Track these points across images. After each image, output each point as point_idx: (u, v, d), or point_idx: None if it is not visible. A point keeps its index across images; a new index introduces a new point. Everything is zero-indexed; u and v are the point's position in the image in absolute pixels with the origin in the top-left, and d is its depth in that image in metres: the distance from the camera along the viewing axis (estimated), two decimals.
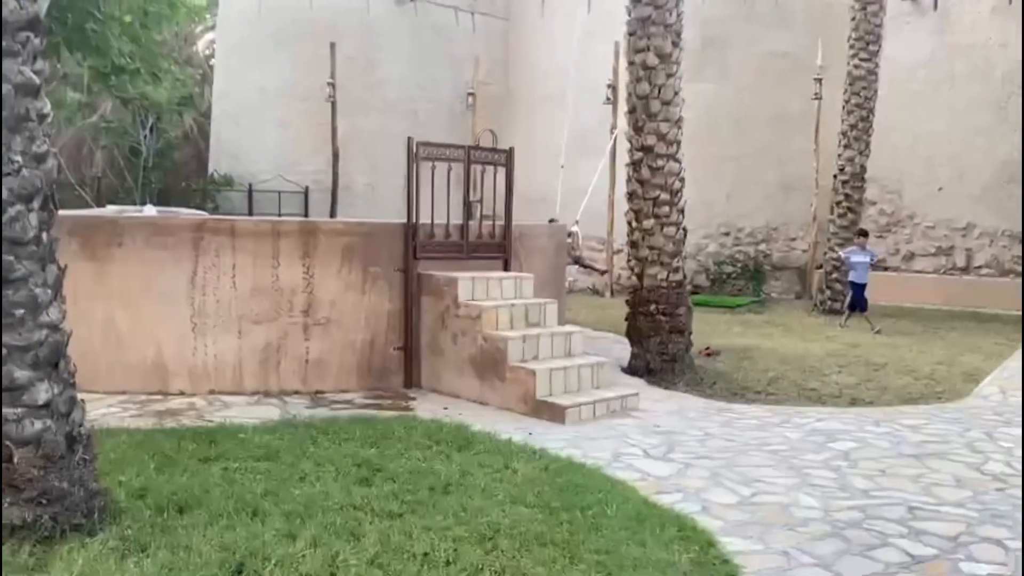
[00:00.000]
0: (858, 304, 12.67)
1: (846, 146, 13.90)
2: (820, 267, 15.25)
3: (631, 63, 8.86)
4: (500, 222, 8.42)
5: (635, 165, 8.85)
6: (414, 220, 7.68)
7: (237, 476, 4.78)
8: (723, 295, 16.29)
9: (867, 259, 12.73)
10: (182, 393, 7.11)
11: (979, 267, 15.67)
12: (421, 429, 5.90)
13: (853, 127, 13.73)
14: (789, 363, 9.36)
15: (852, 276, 12.78)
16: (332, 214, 17.22)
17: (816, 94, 15.70)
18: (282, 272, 7.34)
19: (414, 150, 7.71)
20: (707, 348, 10.07)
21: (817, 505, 4.68)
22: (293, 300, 7.38)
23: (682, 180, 8.93)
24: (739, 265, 16.72)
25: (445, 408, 7.00)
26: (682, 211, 8.95)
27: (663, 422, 6.67)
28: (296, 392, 7.34)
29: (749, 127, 16.79)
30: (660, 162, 8.72)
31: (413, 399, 7.36)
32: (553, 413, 6.64)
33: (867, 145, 13.87)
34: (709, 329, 12.05)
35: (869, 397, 7.71)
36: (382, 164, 17.99)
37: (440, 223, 7.98)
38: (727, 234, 17.15)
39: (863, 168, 13.93)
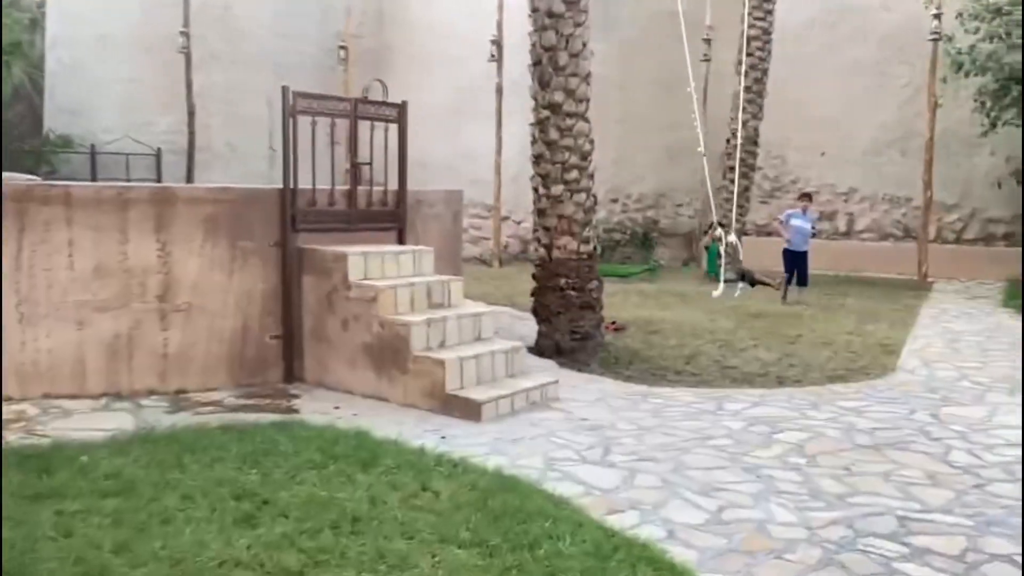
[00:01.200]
0: (798, 277, 11.36)
1: (740, 109, 13.51)
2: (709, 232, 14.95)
3: (534, 10, 7.94)
4: (393, 187, 7.38)
5: (541, 125, 7.98)
6: (292, 185, 6.55)
7: (77, 523, 3.65)
8: (612, 263, 15.79)
9: (808, 224, 11.60)
10: (8, 399, 5.77)
11: (861, 232, 15.80)
12: (313, 441, 4.87)
13: (748, 89, 13.33)
14: (700, 337, 8.82)
15: (788, 243, 11.58)
16: (189, 179, 15.55)
17: (705, 55, 15.28)
18: (131, 249, 6.06)
19: (291, 102, 6.55)
20: (612, 323, 9.41)
21: (796, 520, 4.01)
22: (146, 282, 6.12)
23: (592, 142, 8.14)
24: (628, 232, 16.25)
25: (336, 407, 5.98)
26: (592, 176, 8.17)
27: (589, 414, 5.91)
28: (153, 392, 6.13)
29: (635, 89, 16.26)
30: (569, 121, 7.89)
31: (296, 397, 6.29)
32: (467, 409, 5.74)
33: (761, 108, 13.56)
34: (607, 300, 11.42)
35: (795, 375, 7.23)
36: (244, 123, 16.39)
37: (323, 188, 6.87)
38: (615, 200, 16.65)
39: (756, 132, 13.63)
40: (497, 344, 6.45)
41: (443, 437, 5.27)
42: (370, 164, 7.24)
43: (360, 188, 7.17)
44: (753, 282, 11.29)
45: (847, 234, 15.83)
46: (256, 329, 6.52)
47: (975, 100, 13.08)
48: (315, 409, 5.96)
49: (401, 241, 7.36)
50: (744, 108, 13.38)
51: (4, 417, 5.37)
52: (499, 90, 15.21)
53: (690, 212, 16.39)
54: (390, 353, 6.13)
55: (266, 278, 6.53)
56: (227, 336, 6.41)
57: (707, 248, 12.79)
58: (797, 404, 6.20)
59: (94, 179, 14.54)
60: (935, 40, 13.00)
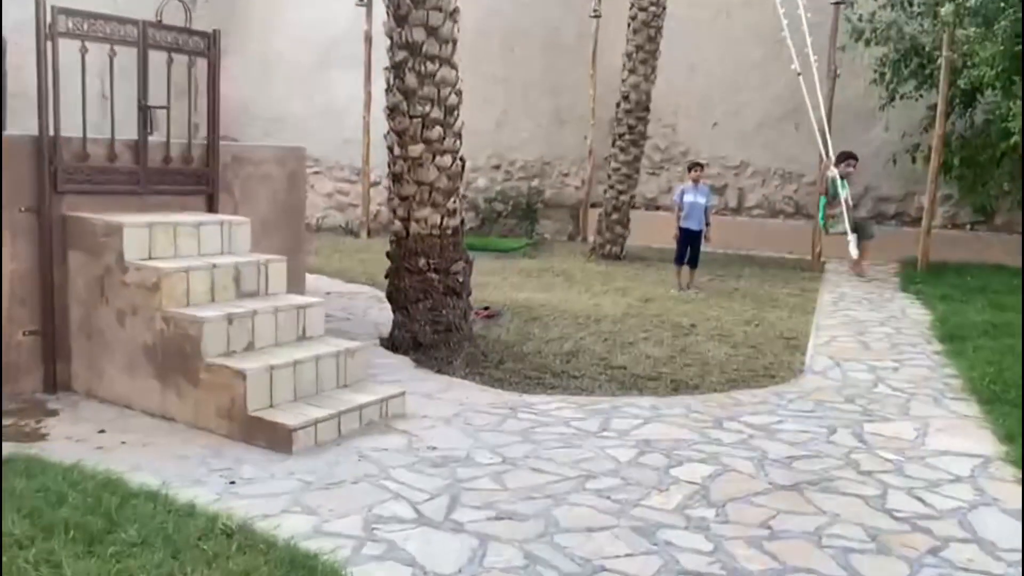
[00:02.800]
0: (690, 257, 10.06)
1: (631, 71, 12.37)
2: (597, 206, 13.87)
3: None
4: (201, 140, 5.80)
5: (397, 69, 6.54)
6: (51, 132, 4.91)
7: None
8: (492, 236, 14.51)
9: (703, 200, 10.19)
10: None
11: (751, 208, 15.05)
12: (33, 496, 3.37)
13: (640, 48, 12.21)
14: (584, 327, 7.64)
15: (683, 221, 10.15)
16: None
17: (595, 10, 14.07)
18: None
19: (48, 19, 4.88)
20: (485, 308, 8.14)
21: None
22: None
23: (459, 94, 6.76)
24: (511, 203, 14.98)
25: (101, 431, 4.47)
26: (459, 136, 6.80)
27: (440, 439, 4.59)
28: None
29: (522, 47, 14.93)
30: (431, 66, 6.47)
31: (53, 415, 4.73)
32: (274, 437, 4.32)
33: (653, 70, 12.44)
34: (483, 279, 10.14)
35: (692, 378, 6.12)
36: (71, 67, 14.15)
37: (99, 138, 5.25)
38: (497, 167, 15.32)
39: (648, 96, 12.51)
40: (326, 346, 5.04)
41: (232, 482, 3.85)
42: (167, 108, 5.65)
43: (153, 140, 5.58)
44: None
45: (737, 210, 15.04)
46: (3, 323, 4.88)
47: (874, 71, 12.38)
48: (72, 434, 4.43)
49: (212, 208, 5.82)
50: (635, 70, 12.30)
51: None
52: (368, 39, 13.56)
53: (576, 182, 15.26)
54: (177, 358, 4.64)
55: (17, 255, 4.89)
56: None
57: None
58: (697, 420, 5.07)
59: None
60: (837, 4, 12.18)
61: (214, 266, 4.90)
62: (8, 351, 4.90)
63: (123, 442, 4.35)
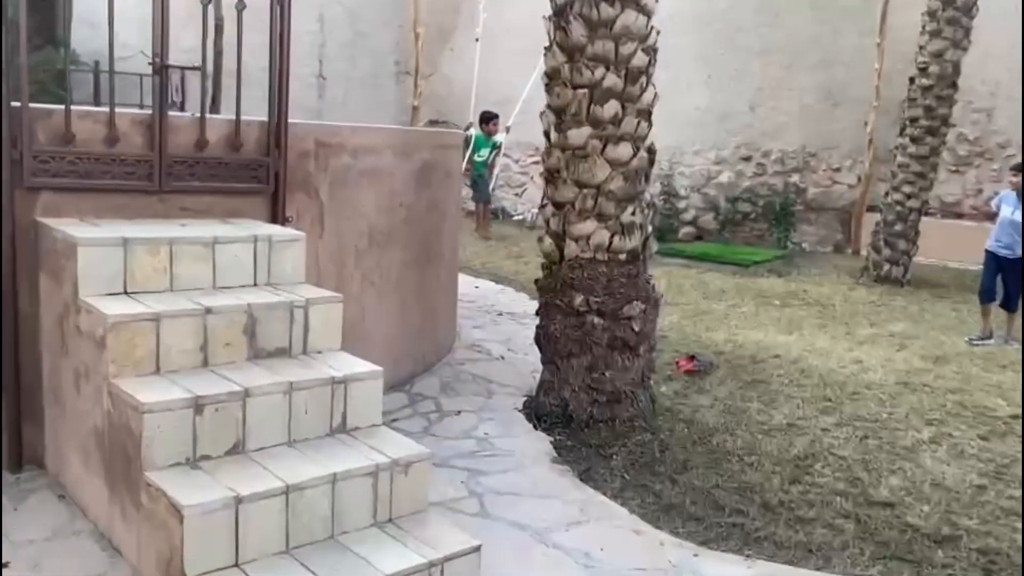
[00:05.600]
0: (1004, 295, 7.13)
1: (933, 34, 9.26)
2: (875, 210, 10.84)
3: None
4: (260, 117, 4.09)
5: (559, 16, 4.44)
6: (11, 100, 3.38)
7: None
8: (736, 243, 11.93)
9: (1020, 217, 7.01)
10: None
11: None
12: None
13: (948, 3, 9.07)
14: (833, 406, 5.09)
15: (993, 242, 7.23)
16: (214, 106, 12.81)
17: None
18: None
19: None
20: (691, 357, 5.84)
21: None
22: None
23: (651, 52, 4.52)
24: (761, 203, 12.26)
25: (6, 565, 2.86)
26: (649, 115, 4.57)
27: None
28: None
29: (786, 12, 12.11)
30: (608, 10, 4.30)
31: None
32: None
33: (966, 34, 9.22)
34: (703, 305, 7.80)
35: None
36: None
37: (91, 110, 3.67)
38: (747, 159, 12.62)
39: (955, 69, 9.32)
40: (363, 455, 3.06)
41: None
42: (202, 70, 3.98)
43: (179, 115, 3.95)
44: None
45: None
46: None
47: None
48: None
49: (275, 215, 4.08)
50: (940, 31, 9.18)
51: None
52: None
53: (850, 179, 12.18)
54: (121, 460, 2.92)
55: None
56: None
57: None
58: None
59: (97, 102, 12.07)
60: None
61: (208, 311, 3.13)
62: None
63: None
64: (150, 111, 3.73)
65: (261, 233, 3.59)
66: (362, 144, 4.57)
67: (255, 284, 3.54)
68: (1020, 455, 4.41)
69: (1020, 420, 4.94)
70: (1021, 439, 4.62)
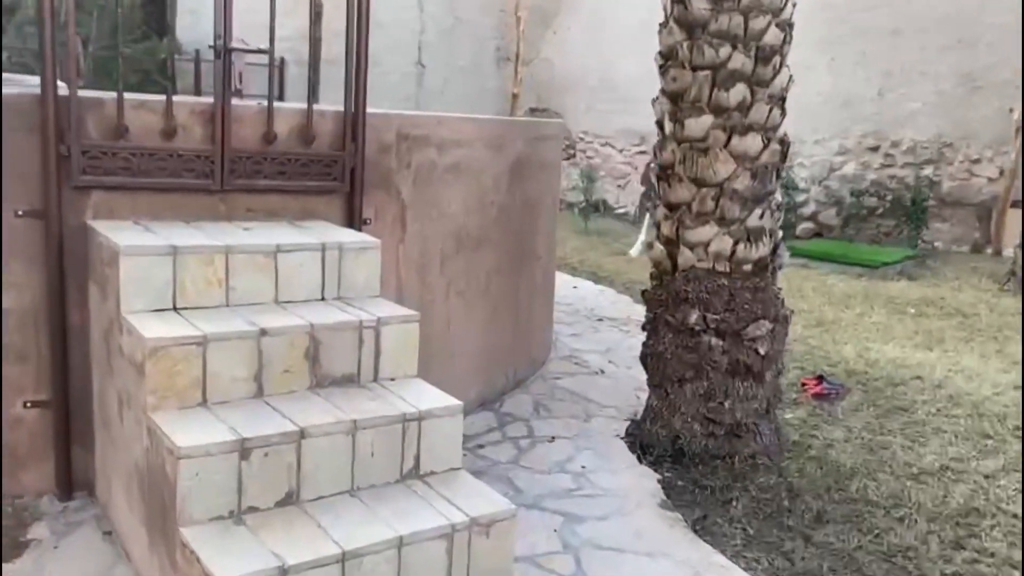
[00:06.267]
0: None
1: None
2: (1019, 206, 9.73)
3: None
4: (333, 107, 3.65)
5: None
6: (56, 88, 3.02)
7: None
8: (860, 242, 10.96)
9: None
10: None
11: None
12: None
13: None
14: (993, 452, 4.30)
15: None
16: (313, 96, 12.64)
17: None
18: None
19: None
20: (818, 379, 5.14)
21: None
22: None
23: (786, 27, 3.85)
24: (889, 197, 11.22)
25: None
26: (782, 102, 3.91)
27: None
28: None
29: None
30: None
31: (32, 545, 2.89)
32: None
33: None
34: (827, 311, 7.04)
35: None
36: (387, 29, 13.24)
37: (146, 99, 3.28)
38: (874, 149, 11.57)
39: None
40: (438, 511, 2.57)
41: None
42: (269, 52, 3.55)
43: (242, 104, 3.54)
44: None
45: None
46: None
47: None
48: None
49: (351, 216, 3.63)
50: None
51: None
52: None
53: (990, 172, 11.01)
54: (158, 506, 2.52)
55: (14, 284, 3.12)
56: None
57: None
58: None
59: (198, 92, 12.04)
60: None
61: (263, 332, 2.69)
62: (4, 430, 3.17)
63: None
64: (211, 100, 3.32)
65: (330, 240, 3.13)
66: (449, 136, 4.07)
67: (322, 298, 3.09)
68: None
69: None
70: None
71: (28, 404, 3.19)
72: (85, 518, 3.13)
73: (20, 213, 3.07)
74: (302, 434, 2.50)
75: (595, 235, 10.77)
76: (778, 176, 3.90)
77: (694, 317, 3.84)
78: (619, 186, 13.26)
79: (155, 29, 15.08)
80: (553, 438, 4.20)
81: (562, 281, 7.12)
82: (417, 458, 2.73)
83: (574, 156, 13.70)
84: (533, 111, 14.00)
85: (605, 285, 8.05)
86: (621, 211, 12.93)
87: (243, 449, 2.40)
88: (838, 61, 11.36)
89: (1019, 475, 3.97)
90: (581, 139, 13.84)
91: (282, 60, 13.05)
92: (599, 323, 6.62)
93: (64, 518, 3.12)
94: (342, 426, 2.58)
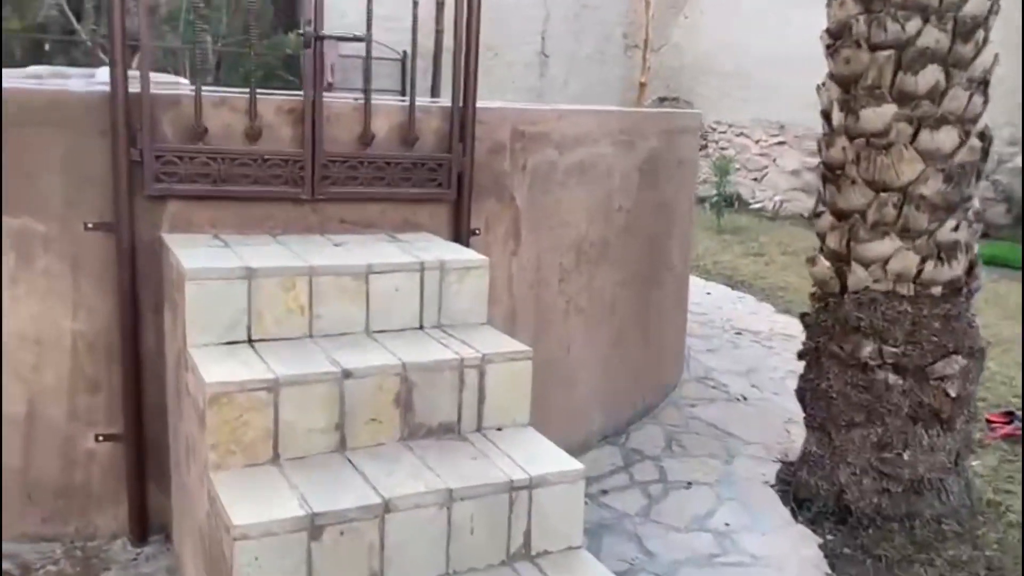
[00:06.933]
0: None
1: None
2: None
3: None
4: (438, 101, 3.19)
5: None
6: (126, 84, 2.66)
7: None
8: None
9: None
10: None
11: None
12: None
13: None
14: None
15: None
16: (435, 91, 12.36)
17: None
18: None
19: None
20: (1005, 415, 4.32)
21: None
22: None
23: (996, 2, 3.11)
24: None
25: None
26: (986, 87, 3.16)
27: None
28: None
29: None
30: None
31: None
32: None
33: None
34: (1005, 328, 6.13)
35: None
36: (508, 19, 12.80)
37: (226, 95, 2.88)
38: None
39: None
40: None
41: None
42: (366, 40, 3.07)
43: (336, 100, 3.10)
44: None
45: None
46: (60, 418, 2.84)
47: None
48: None
49: (458, 228, 3.15)
50: None
51: None
52: None
53: None
54: None
55: (83, 304, 2.79)
56: None
57: None
58: None
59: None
60: None
61: (347, 375, 2.24)
62: (68, 465, 2.86)
63: None
64: (301, 96, 2.90)
65: (430, 258, 2.65)
66: (572, 132, 3.53)
67: (420, 326, 2.63)
68: None
69: None
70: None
71: (100, 438, 2.87)
72: (157, 569, 2.78)
73: (90, 225, 2.74)
74: (387, 507, 2.03)
75: (729, 233, 9.98)
76: (978, 178, 3.15)
77: (868, 350, 3.16)
78: (755, 179, 12.35)
79: (284, 24, 15.16)
80: (690, 484, 3.60)
81: (694, 286, 6.46)
82: (527, 535, 2.22)
83: (706, 147, 12.88)
84: (661, 101, 13.25)
85: (743, 291, 7.32)
86: (757, 206, 12.04)
87: (313, 527, 1.95)
88: (1010, 35, 10.10)
89: None
90: (713, 129, 12.99)
91: (404, 53, 12.87)
92: (738, 337, 5.94)
93: (135, 568, 2.79)
94: (436, 496, 2.09)
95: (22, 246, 2.71)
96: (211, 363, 2.23)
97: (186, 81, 4.15)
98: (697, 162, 5.23)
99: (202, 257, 2.48)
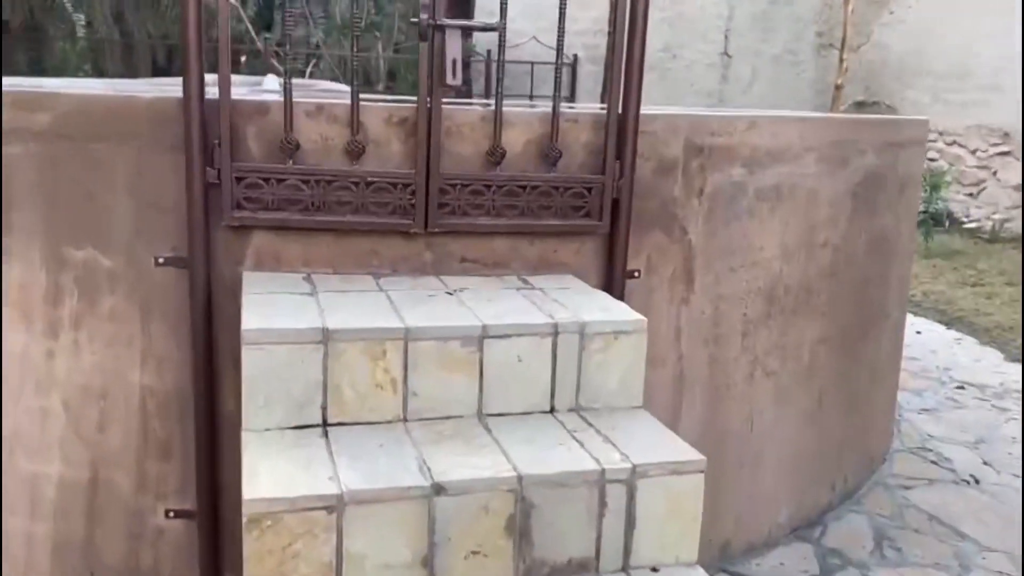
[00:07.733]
0: None
1: None
2: None
3: None
4: (590, 107, 2.49)
5: None
6: (202, 91, 2.14)
7: None
8: None
9: None
10: None
11: None
12: None
13: None
14: None
15: None
16: (604, 99, 11.67)
17: None
18: None
19: None
20: None
21: None
22: None
23: None
24: None
25: None
26: None
27: None
28: None
29: None
30: None
31: None
32: None
33: None
34: None
35: None
36: (689, 19, 11.95)
37: (323, 102, 2.31)
38: None
39: None
40: None
41: None
42: (498, 29, 2.40)
43: (459, 107, 2.46)
44: None
45: None
46: (127, 488, 2.38)
47: None
48: None
49: (611, 269, 2.45)
50: None
51: None
52: None
53: None
54: None
55: (153, 354, 2.32)
56: (51, 508, 2.39)
57: None
58: None
59: (486, 95, 11.53)
60: None
61: (438, 489, 1.60)
62: (140, 543, 2.40)
63: None
64: (415, 102, 2.29)
65: (566, 318, 1.97)
66: (766, 145, 2.73)
67: (551, 409, 1.95)
68: None
69: None
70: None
71: (171, 514, 2.39)
72: None
73: (161, 260, 2.26)
74: None
75: (939, 257, 8.65)
76: None
77: None
78: (970, 195, 10.79)
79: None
80: None
81: None
82: None
83: None
84: (859, 105, 11.90)
85: (960, 330, 6.15)
86: (972, 226, 10.49)
87: None
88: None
89: None
90: None
91: (575, 57, 12.28)
92: (959, 392, 4.86)
93: None
94: None
95: (86, 283, 2.27)
96: (261, 460, 1.65)
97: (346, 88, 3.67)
98: (920, 184, 4.24)
99: (270, 311, 1.93)
